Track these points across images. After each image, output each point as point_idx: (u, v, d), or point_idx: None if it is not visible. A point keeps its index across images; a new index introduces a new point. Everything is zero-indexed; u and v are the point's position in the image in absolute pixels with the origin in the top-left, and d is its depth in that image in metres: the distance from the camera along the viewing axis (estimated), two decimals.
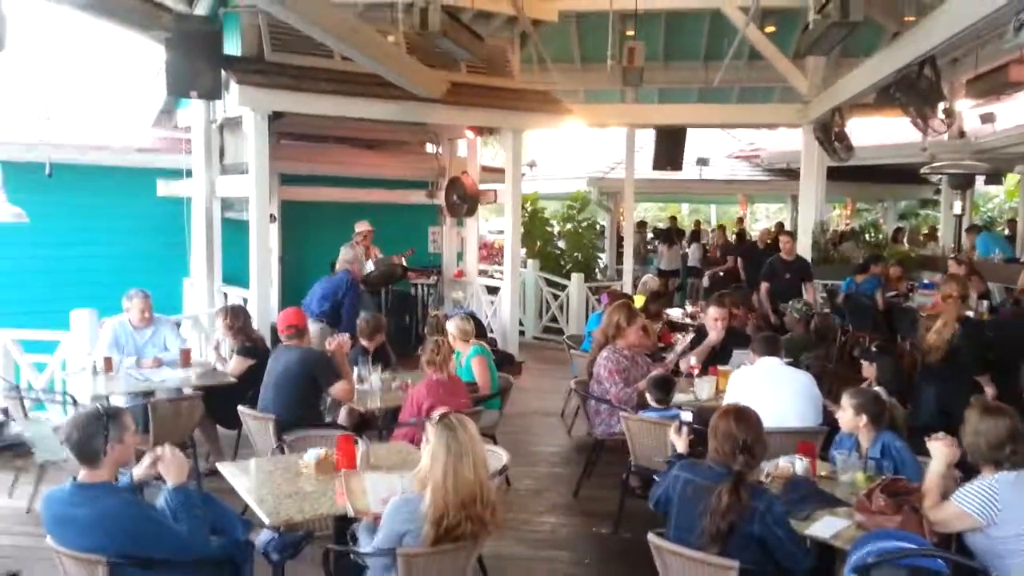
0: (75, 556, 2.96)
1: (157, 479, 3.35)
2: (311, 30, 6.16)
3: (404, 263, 9.60)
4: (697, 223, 20.46)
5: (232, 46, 7.89)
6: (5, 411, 4.60)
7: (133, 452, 3.24)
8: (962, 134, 12.26)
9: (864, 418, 3.89)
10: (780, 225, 17.72)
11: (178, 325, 6.89)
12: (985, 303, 8.01)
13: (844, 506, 3.44)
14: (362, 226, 9.18)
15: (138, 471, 3.33)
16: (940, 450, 3.32)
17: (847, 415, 3.92)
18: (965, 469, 3.43)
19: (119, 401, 5.45)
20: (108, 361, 5.72)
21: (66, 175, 8.69)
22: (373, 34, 6.89)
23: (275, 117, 7.84)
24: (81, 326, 6.40)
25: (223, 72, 7.18)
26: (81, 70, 12.17)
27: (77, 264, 9.22)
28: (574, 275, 11.45)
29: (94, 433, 3.04)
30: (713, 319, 6.11)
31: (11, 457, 3.99)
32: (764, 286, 8.90)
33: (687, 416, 4.27)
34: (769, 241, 15.41)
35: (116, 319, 6.06)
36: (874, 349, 5.96)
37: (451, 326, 5.99)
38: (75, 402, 5.44)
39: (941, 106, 7.26)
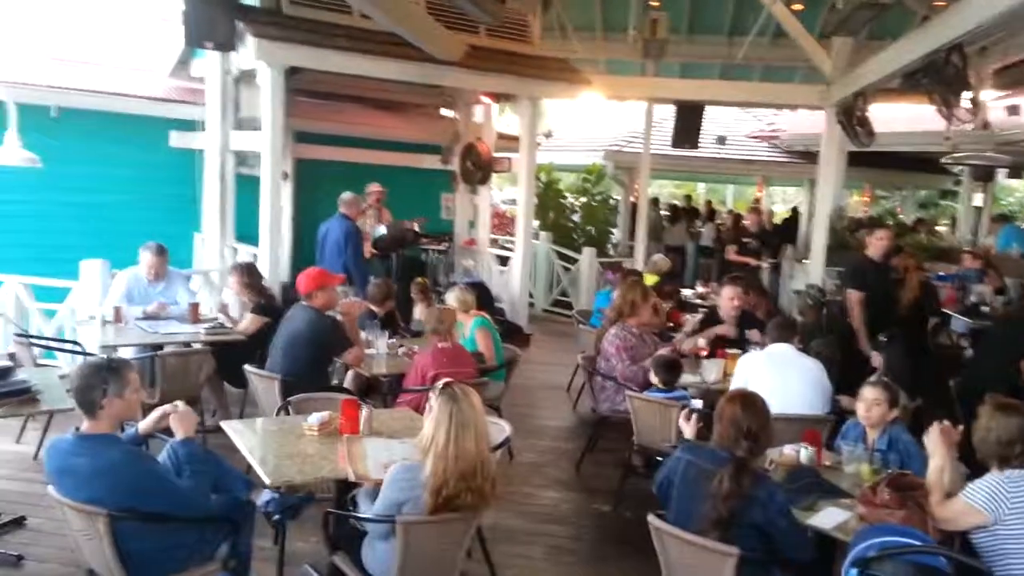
0: (75, 507, 2.96)
1: (163, 432, 3.36)
2: None
3: (415, 228, 9.56)
4: (709, 203, 20.31)
5: None
6: (12, 356, 4.60)
7: (137, 408, 3.23)
8: (986, 125, 12.03)
9: (895, 411, 3.87)
10: (794, 209, 17.59)
11: (189, 279, 6.88)
12: (1000, 298, 7.93)
13: (848, 498, 3.42)
14: (373, 187, 9.14)
15: (144, 425, 3.33)
16: (936, 443, 3.30)
17: (881, 408, 3.85)
18: (972, 465, 3.41)
19: (128, 353, 5.46)
20: (117, 311, 5.73)
21: (78, 121, 8.64)
22: None
23: (291, 73, 7.75)
24: (92, 276, 6.40)
25: (239, 23, 7.09)
26: (99, 14, 12.04)
27: (88, 212, 9.18)
28: (586, 249, 11.39)
29: (92, 385, 3.03)
30: (728, 298, 5.99)
31: (17, 404, 3.99)
32: (854, 295, 6.36)
33: (697, 403, 4.24)
34: (778, 222, 15.36)
35: (131, 271, 6.06)
36: (883, 339, 5.90)
37: (451, 297, 5.96)
38: (84, 351, 5.46)
39: (967, 95, 7.12)
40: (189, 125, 9.23)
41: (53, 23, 10.74)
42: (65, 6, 11.27)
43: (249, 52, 7.25)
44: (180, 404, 3.31)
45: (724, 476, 3.03)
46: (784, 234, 14.32)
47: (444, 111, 11.15)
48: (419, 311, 6.87)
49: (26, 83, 8.62)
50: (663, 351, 5.50)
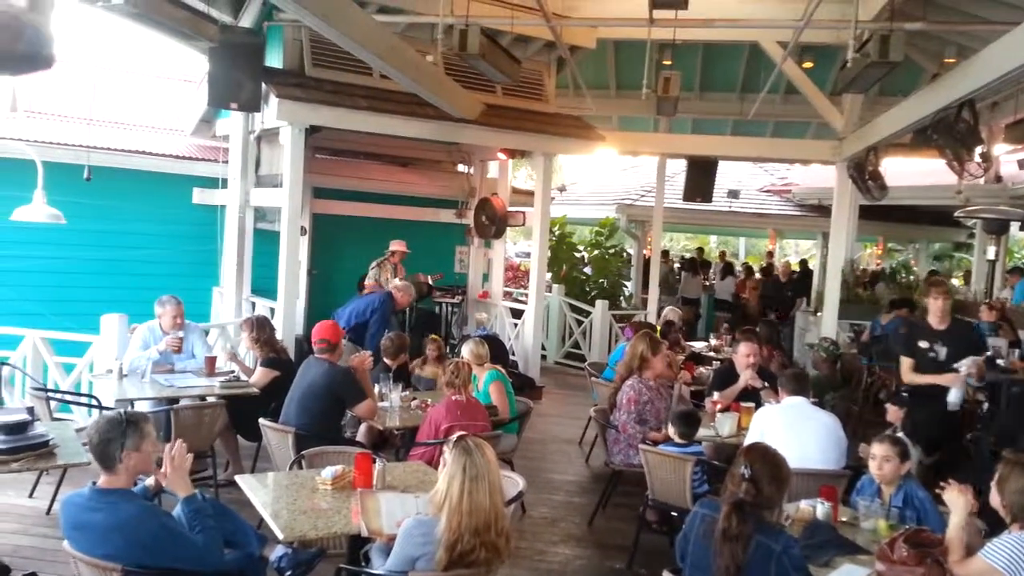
0: (90, 562, 2.97)
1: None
2: (352, 47, 6.25)
3: (430, 282, 9.65)
4: (723, 254, 20.38)
5: (274, 59, 8.03)
6: (31, 410, 4.64)
7: (152, 461, 3.24)
8: (998, 179, 12.11)
9: (908, 465, 3.84)
10: (804, 262, 17.61)
11: (206, 333, 6.96)
12: (1017, 351, 7.85)
13: (865, 554, 3.38)
14: (398, 245, 9.24)
15: (151, 480, 3.34)
16: (957, 501, 3.26)
17: (893, 463, 3.83)
18: (989, 521, 3.36)
19: (144, 406, 5.50)
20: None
21: (103, 179, 8.86)
22: (412, 53, 6.98)
23: (312, 131, 7.95)
24: (111, 330, 6.48)
25: (263, 85, 7.31)
26: (124, 75, 12.41)
27: (110, 268, 9.35)
28: (598, 302, 11.43)
29: (112, 439, 3.06)
30: (744, 355, 5.87)
31: (34, 458, 4.01)
32: (906, 362, 5.76)
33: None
34: (793, 274, 15.40)
35: (147, 324, 6.13)
36: (904, 394, 5.83)
37: (465, 351, 5.98)
38: (100, 405, 5.51)
39: (978, 150, 7.16)
40: (211, 182, 9.43)
41: (80, 84, 11.07)
42: (91, 68, 11.62)
43: (272, 112, 7.47)
44: (176, 456, 3.23)
45: (722, 516, 3.01)
46: (796, 287, 14.36)
47: (460, 167, 11.34)
48: (428, 370, 6.90)
49: (54, 142, 8.86)
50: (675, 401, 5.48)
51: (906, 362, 5.78)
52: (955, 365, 5.44)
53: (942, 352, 5.64)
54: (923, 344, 5.73)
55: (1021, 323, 9.19)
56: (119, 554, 2.95)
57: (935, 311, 5.75)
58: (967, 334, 5.88)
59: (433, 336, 7.44)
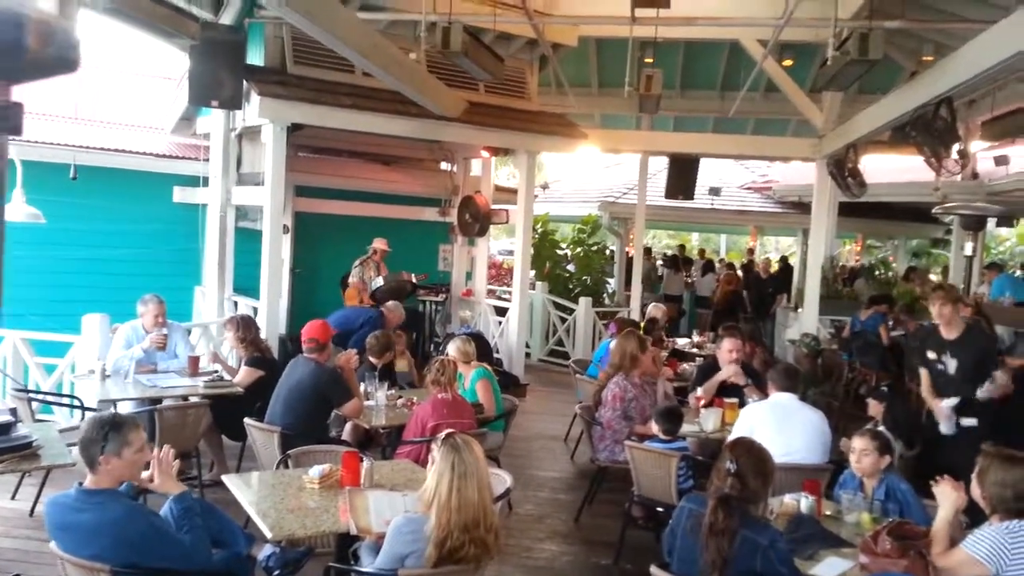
0: (78, 563, 2.95)
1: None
2: (334, 44, 6.23)
3: (414, 280, 9.64)
4: (702, 252, 20.49)
5: (255, 56, 7.99)
6: (13, 411, 4.60)
7: (138, 469, 3.19)
8: (975, 175, 12.27)
9: (888, 458, 3.90)
10: (784, 259, 17.75)
11: (188, 333, 6.91)
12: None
13: (849, 547, 3.42)
14: (379, 243, 9.22)
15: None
16: (948, 496, 3.30)
17: (872, 457, 3.88)
18: (971, 514, 3.42)
19: (127, 407, 5.46)
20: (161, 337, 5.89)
21: (83, 177, 8.77)
22: (395, 51, 6.97)
23: (293, 129, 7.91)
24: (92, 330, 6.42)
25: (245, 82, 7.27)
26: (103, 73, 12.27)
27: (91, 267, 9.25)
28: (582, 299, 11.45)
29: (93, 440, 3.05)
30: (727, 351, 5.94)
31: (17, 459, 3.98)
32: (924, 375, 5.35)
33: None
34: (773, 271, 15.52)
35: (129, 324, 6.09)
36: (885, 389, 5.91)
37: (451, 348, 5.99)
38: (82, 406, 5.46)
39: (956, 147, 7.26)
40: (192, 180, 9.36)
41: (58, 82, 10.95)
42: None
43: (254, 110, 7.43)
44: (164, 460, 3.26)
45: (708, 511, 3.04)
46: (777, 284, 14.49)
47: (443, 165, 11.32)
48: (399, 363, 6.93)
49: (34, 141, 8.74)
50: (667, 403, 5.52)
51: (923, 375, 5.34)
52: (979, 393, 5.05)
53: (951, 364, 5.16)
54: (931, 355, 5.29)
55: (998, 318, 9.32)
56: (106, 554, 2.93)
57: (939, 319, 5.21)
58: (977, 344, 5.24)
59: (397, 331, 7.42)
